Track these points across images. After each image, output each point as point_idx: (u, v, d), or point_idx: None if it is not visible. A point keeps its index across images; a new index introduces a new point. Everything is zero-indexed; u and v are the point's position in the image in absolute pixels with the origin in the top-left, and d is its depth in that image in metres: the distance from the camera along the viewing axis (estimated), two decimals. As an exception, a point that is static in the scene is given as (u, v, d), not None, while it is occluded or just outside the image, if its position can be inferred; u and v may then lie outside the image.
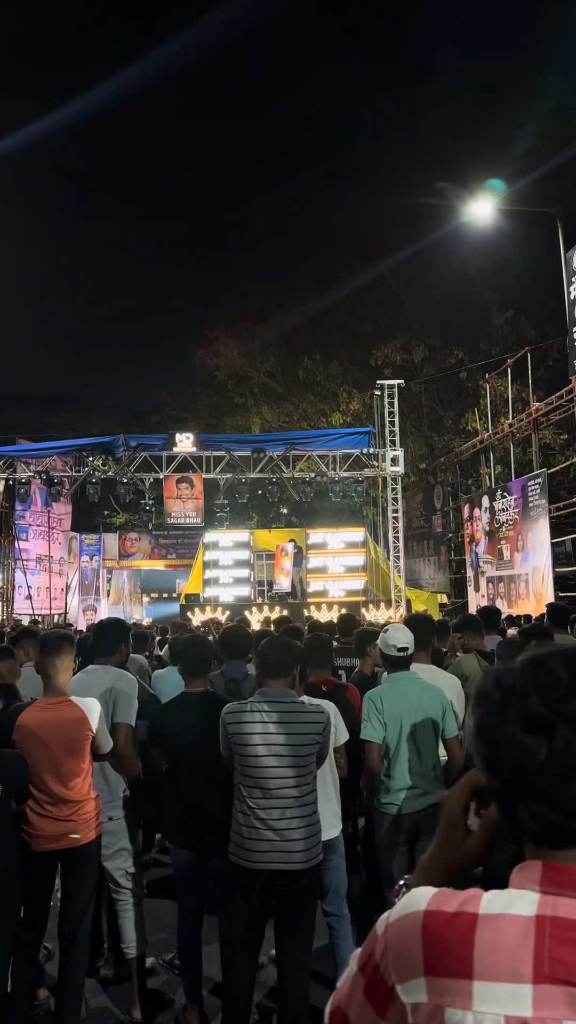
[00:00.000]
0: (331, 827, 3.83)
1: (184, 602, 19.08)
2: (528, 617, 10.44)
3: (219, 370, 29.42)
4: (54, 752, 3.49)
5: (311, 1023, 3.50)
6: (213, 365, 29.47)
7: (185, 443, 17.89)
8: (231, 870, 3.32)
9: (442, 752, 4.05)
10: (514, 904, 0.92)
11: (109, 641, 4.21)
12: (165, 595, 34.66)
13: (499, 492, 16.75)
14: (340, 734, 4.07)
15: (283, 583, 18.83)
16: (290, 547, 18.72)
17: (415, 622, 4.69)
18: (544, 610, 8.05)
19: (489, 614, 6.79)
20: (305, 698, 3.87)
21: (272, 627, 7.79)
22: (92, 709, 3.59)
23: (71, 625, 19.88)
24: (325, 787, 3.85)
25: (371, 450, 18.06)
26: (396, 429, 18.09)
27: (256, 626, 9.90)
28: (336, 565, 19.32)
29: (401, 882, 1.17)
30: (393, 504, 18.23)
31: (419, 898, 0.97)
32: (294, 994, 3.32)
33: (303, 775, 3.28)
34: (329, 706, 3.98)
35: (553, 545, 14.31)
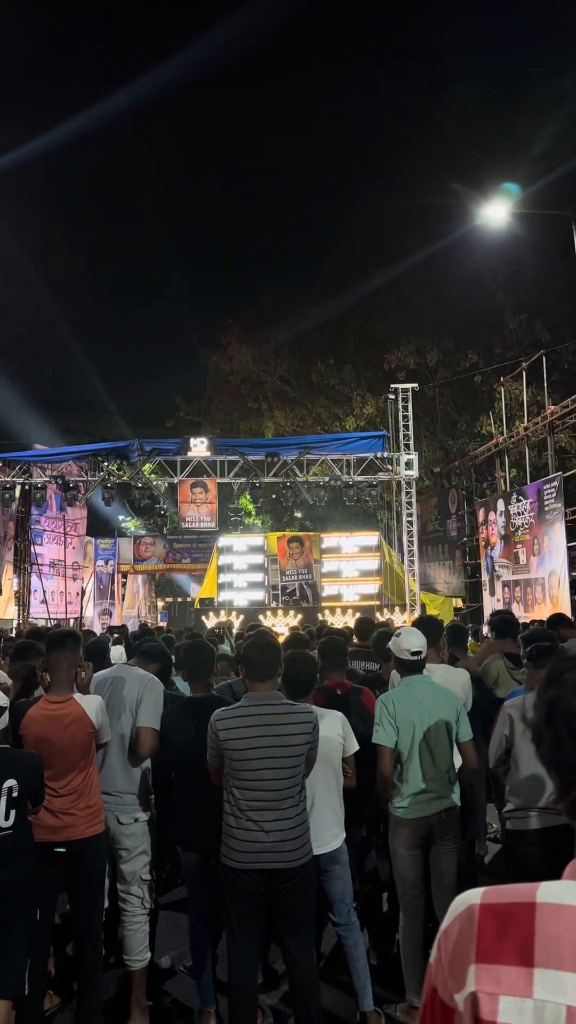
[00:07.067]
0: (334, 838, 3.79)
1: (199, 606, 19.14)
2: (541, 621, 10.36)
3: (233, 375, 29.47)
4: (58, 747, 3.57)
5: (325, 1020, 3.51)
6: (227, 370, 29.54)
7: (199, 447, 17.94)
8: (224, 872, 3.34)
9: (457, 757, 4.03)
10: (570, 895, 0.92)
11: (152, 655, 4.33)
12: (180, 599, 34.78)
13: (514, 496, 16.66)
14: (349, 744, 3.94)
15: (288, 579, 19.18)
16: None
17: (424, 623, 4.67)
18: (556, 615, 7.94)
19: (509, 623, 6.37)
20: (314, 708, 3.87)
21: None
22: (91, 705, 3.70)
23: (91, 630, 19.96)
24: (330, 796, 3.82)
25: (385, 454, 18.02)
26: (410, 433, 18.06)
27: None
28: (350, 569, 19.29)
29: None
30: (407, 508, 18.18)
31: (471, 895, 0.97)
32: (307, 987, 3.36)
33: (294, 776, 3.31)
34: (338, 716, 3.95)
35: (569, 549, 14.20)
